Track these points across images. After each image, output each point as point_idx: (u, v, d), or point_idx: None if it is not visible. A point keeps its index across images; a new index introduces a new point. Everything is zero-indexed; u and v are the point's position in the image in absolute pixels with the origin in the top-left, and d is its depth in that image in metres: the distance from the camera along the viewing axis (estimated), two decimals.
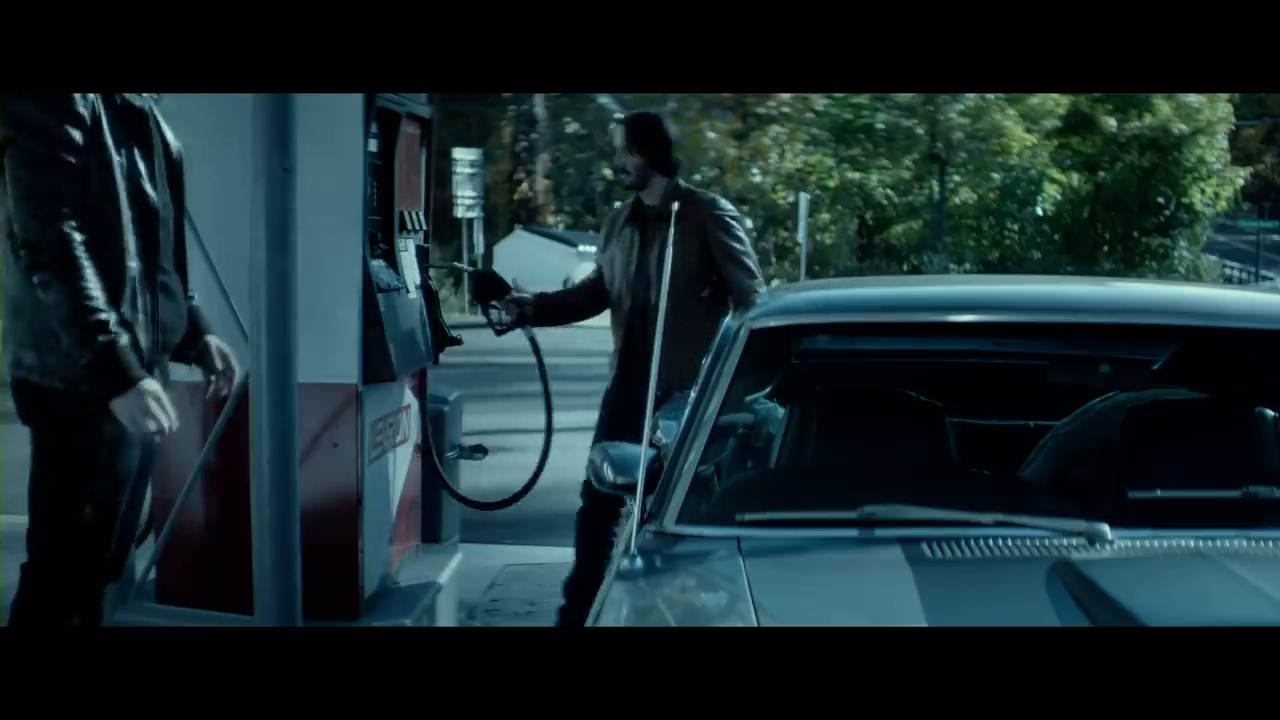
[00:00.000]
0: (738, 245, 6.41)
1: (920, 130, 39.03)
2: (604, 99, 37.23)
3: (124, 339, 4.02)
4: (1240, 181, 40.80)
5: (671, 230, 4.28)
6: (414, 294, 5.96)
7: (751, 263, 6.46)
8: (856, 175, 39.54)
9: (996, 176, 39.98)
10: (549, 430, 6.41)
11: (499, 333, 6.48)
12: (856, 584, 3.23)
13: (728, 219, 6.46)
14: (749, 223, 36.06)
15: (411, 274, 5.99)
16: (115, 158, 4.08)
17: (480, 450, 6.81)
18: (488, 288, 6.51)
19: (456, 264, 6.31)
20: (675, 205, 4.74)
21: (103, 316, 3.98)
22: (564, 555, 6.74)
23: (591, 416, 6.43)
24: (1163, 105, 38.40)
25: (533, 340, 6.50)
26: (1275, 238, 50.05)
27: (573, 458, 6.05)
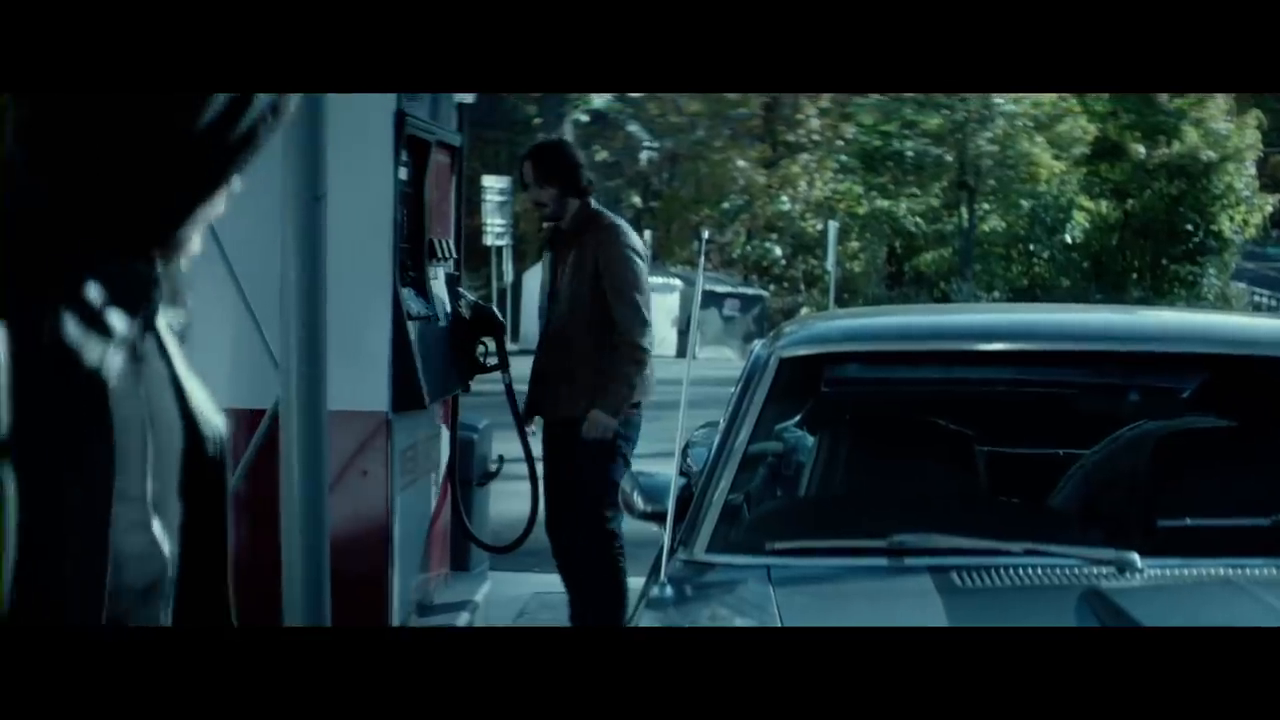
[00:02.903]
0: (627, 280, 6.08)
1: (949, 158, 38.98)
2: (633, 127, 37.28)
3: None
4: (1269, 208, 40.56)
5: (701, 259, 4.29)
6: (444, 321, 5.97)
7: (638, 302, 6.08)
8: (885, 203, 39.47)
9: (1025, 204, 39.86)
10: (532, 472, 6.41)
11: (481, 369, 6.42)
12: (886, 613, 3.22)
13: (624, 250, 6.12)
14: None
15: (441, 301, 6.01)
16: None
17: (498, 461, 6.83)
18: (481, 324, 6.40)
19: (461, 290, 6.52)
20: (705, 234, 4.74)
21: None
22: None
23: None
24: (1191, 132, 38.27)
25: (508, 386, 6.45)
26: None
27: None
